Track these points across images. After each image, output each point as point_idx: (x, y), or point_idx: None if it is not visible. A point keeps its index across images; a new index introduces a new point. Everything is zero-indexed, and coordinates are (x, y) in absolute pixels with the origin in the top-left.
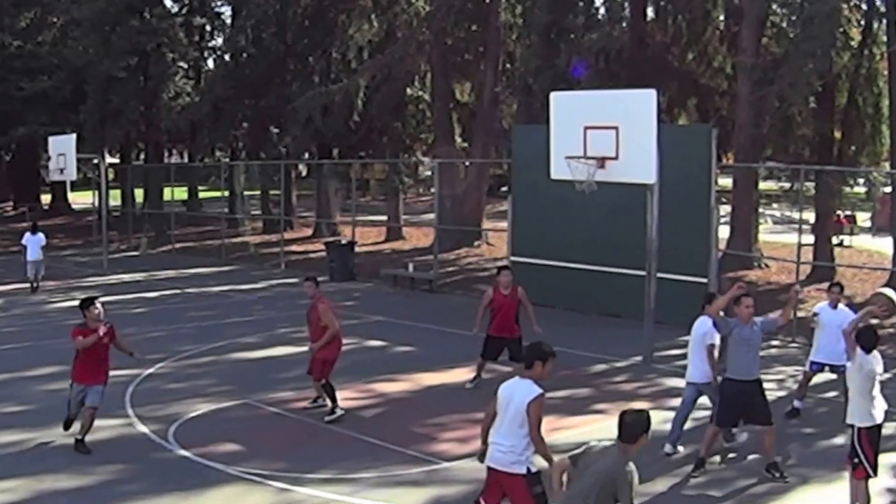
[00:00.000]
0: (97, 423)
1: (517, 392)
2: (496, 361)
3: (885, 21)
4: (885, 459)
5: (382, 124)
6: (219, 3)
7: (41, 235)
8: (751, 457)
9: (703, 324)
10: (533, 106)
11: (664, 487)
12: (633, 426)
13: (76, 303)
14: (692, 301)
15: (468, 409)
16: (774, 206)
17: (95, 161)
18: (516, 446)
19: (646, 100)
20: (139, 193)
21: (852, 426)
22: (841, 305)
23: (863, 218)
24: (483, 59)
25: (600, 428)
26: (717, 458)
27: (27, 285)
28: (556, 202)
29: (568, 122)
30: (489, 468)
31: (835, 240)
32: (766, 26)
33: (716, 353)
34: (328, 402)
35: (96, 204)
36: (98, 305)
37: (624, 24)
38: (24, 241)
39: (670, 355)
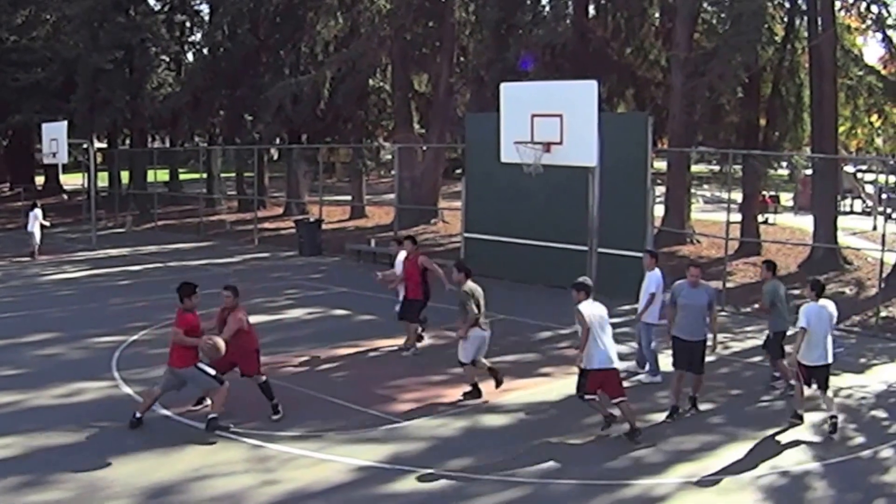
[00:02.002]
0: (86, 384)
1: (599, 308)
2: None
3: (806, 18)
4: (805, 418)
5: (347, 112)
6: (197, 2)
7: (37, 211)
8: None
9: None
10: (484, 95)
11: (601, 443)
12: None
13: (68, 275)
14: (630, 274)
15: (425, 373)
16: (705, 187)
17: (85, 146)
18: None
19: (588, 90)
20: (125, 175)
21: None
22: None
23: (786, 198)
24: (439, 53)
25: (547, 389)
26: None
27: (24, 259)
28: (505, 183)
29: (517, 111)
30: (596, 371)
31: (760, 218)
32: (698, 23)
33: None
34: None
35: (86, 185)
36: (198, 293)
37: (568, 21)
38: (28, 216)
39: (610, 323)
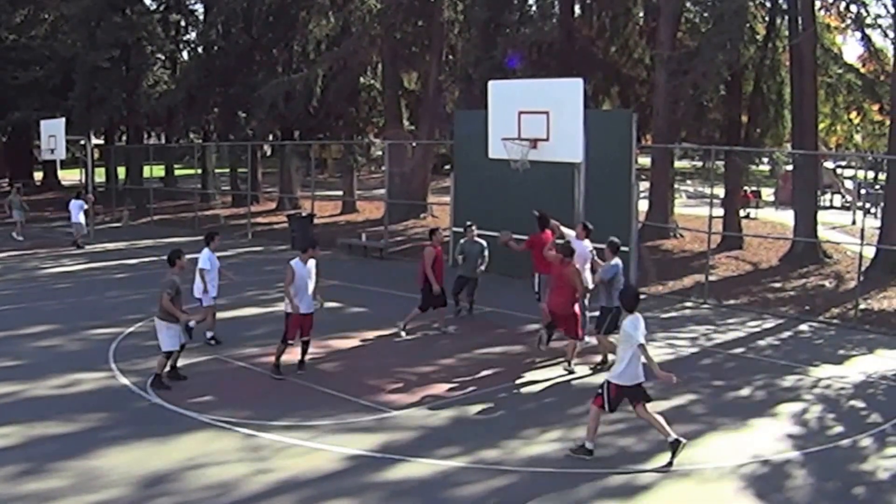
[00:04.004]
0: (84, 375)
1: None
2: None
3: (786, 17)
4: (785, 408)
5: (338, 109)
6: (192, 1)
7: (80, 201)
8: (663, 406)
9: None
10: (473, 93)
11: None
12: None
13: (65, 269)
14: None
15: (414, 364)
16: (688, 182)
17: (82, 142)
18: None
19: (573, 88)
20: (121, 171)
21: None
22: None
23: (767, 193)
24: (428, 52)
25: (534, 380)
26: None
27: (22, 252)
28: (493, 179)
29: (504, 108)
30: (305, 315)
31: (742, 212)
32: (681, 22)
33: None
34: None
35: (83, 180)
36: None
37: (554, 20)
38: (70, 207)
39: (595, 315)
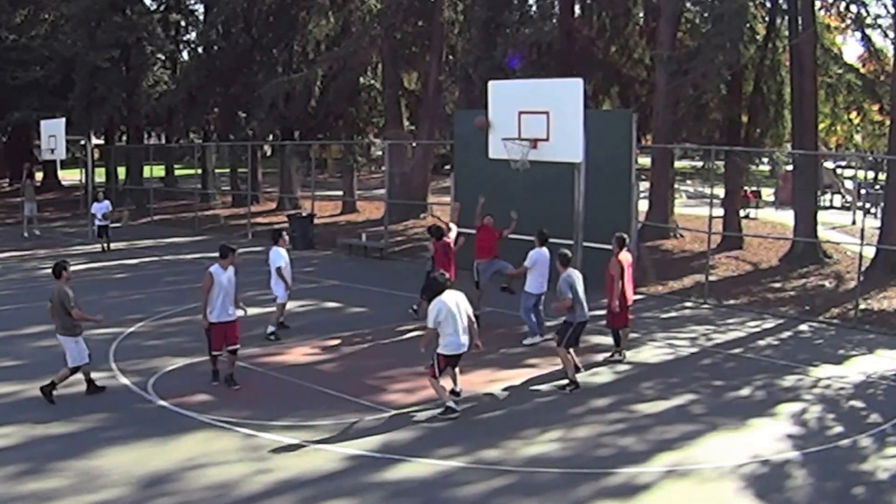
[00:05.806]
0: (82, 376)
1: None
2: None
3: (786, 17)
4: (785, 408)
5: (338, 109)
6: (192, 1)
7: (105, 203)
8: (663, 406)
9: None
10: (473, 93)
11: (586, 433)
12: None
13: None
14: None
15: (414, 363)
16: (688, 182)
17: (82, 142)
18: None
19: (573, 88)
20: (122, 171)
21: None
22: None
23: (767, 193)
24: (428, 52)
25: (533, 380)
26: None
27: (22, 252)
28: (493, 179)
29: (504, 108)
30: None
31: (742, 212)
32: (681, 22)
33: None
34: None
35: (83, 180)
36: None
37: (554, 20)
38: (92, 210)
39: (594, 315)
